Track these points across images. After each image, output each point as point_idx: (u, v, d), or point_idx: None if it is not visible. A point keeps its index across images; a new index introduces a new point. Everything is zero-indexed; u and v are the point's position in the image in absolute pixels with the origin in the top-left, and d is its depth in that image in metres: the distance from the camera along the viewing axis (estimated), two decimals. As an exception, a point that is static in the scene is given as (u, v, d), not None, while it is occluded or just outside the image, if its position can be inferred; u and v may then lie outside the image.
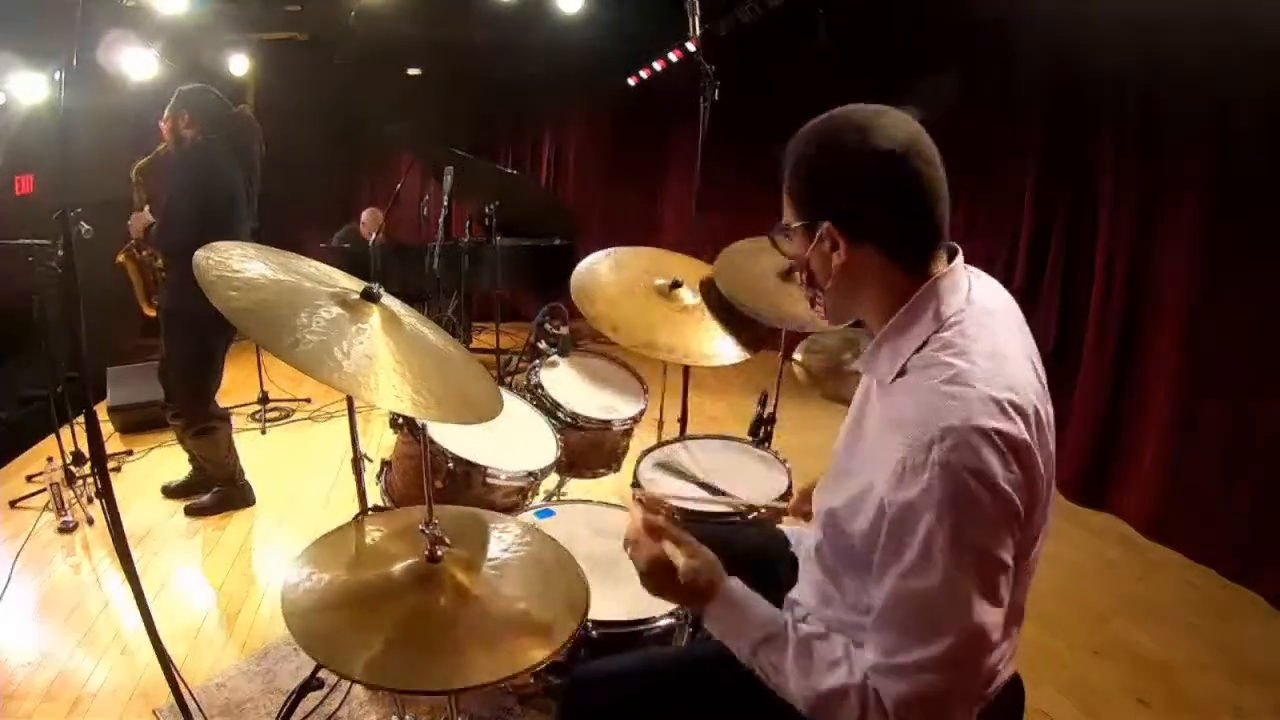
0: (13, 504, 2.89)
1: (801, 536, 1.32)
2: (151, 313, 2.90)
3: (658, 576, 0.99)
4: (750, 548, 1.47)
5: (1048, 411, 0.90)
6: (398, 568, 1.14)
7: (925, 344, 0.89)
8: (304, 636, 1.00)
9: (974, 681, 0.84)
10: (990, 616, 0.81)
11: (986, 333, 0.89)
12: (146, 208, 2.74)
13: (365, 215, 5.46)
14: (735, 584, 0.99)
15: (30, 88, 3.46)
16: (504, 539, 1.26)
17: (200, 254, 1.11)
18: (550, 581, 1.15)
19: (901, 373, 0.90)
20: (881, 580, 0.86)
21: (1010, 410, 0.82)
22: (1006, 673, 1.01)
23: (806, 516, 1.42)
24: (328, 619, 1.04)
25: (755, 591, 1.01)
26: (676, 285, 1.97)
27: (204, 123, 2.63)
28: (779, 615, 0.98)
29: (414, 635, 1.02)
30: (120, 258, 2.89)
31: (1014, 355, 0.90)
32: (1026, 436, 0.82)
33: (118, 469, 3.28)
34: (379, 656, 0.97)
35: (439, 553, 1.14)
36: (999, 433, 0.80)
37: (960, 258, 0.95)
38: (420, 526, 1.15)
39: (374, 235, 4.85)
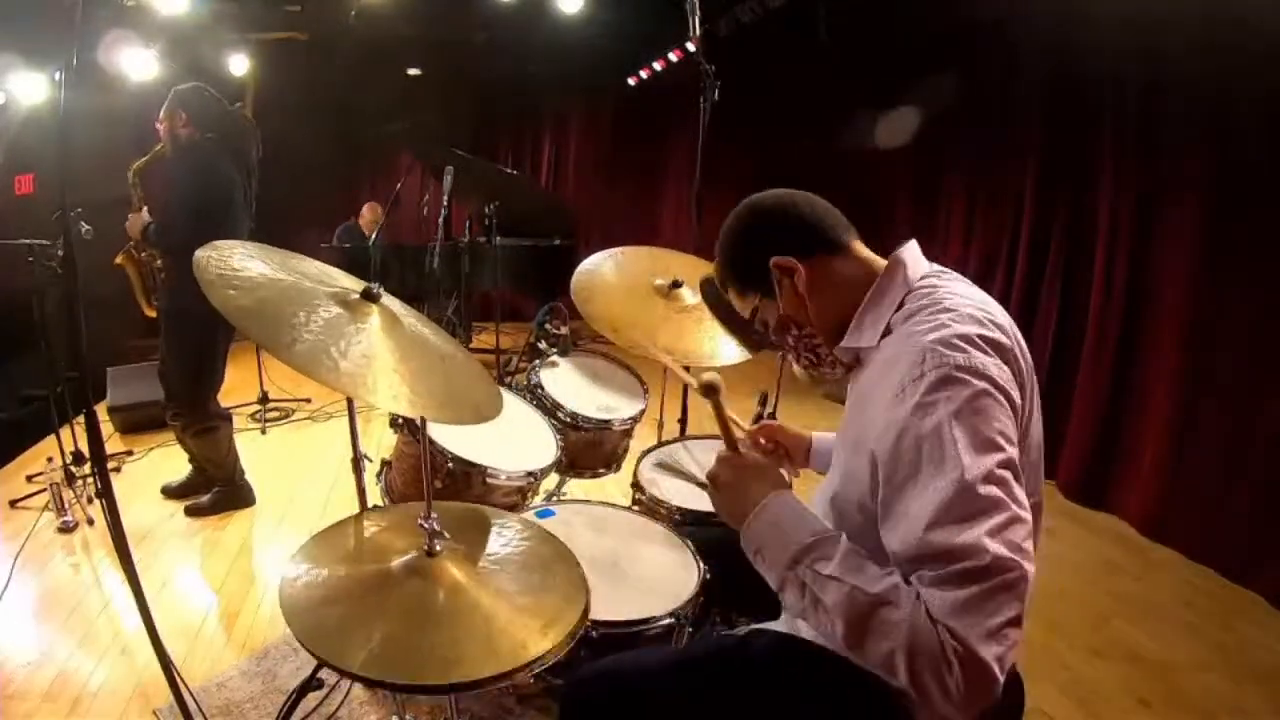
0: (13, 504, 2.89)
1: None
2: (152, 313, 2.90)
3: (741, 469, 1.05)
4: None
5: (1026, 350, 0.96)
6: (396, 562, 1.14)
7: (903, 303, 0.99)
8: (302, 631, 1.00)
9: (1020, 575, 0.77)
10: (1016, 506, 0.79)
11: (956, 282, 1.02)
12: (144, 208, 2.74)
13: (365, 209, 5.46)
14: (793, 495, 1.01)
15: (30, 88, 3.47)
16: (504, 534, 1.26)
17: (201, 253, 1.11)
18: (550, 576, 1.15)
19: (887, 332, 0.99)
20: (894, 510, 0.84)
21: (989, 325, 0.91)
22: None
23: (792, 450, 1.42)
24: (326, 614, 1.03)
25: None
26: (677, 285, 1.97)
27: (201, 122, 2.63)
28: (829, 527, 0.95)
29: (412, 629, 1.01)
30: (119, 259, 2.89)
31: (985, 296, 1.00)
32: (1008, 342, 0.91)
33: (118, 469, 3.28)
34: (377, 651, 0.97)
35: (438, 547, 1.14)
36: (982, 336, 0.88)
37: (913, 242, 1.07)
38: (419, 521, 1.15)
39: (374, 233, 4.85)
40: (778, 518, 0.96)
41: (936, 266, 1.06)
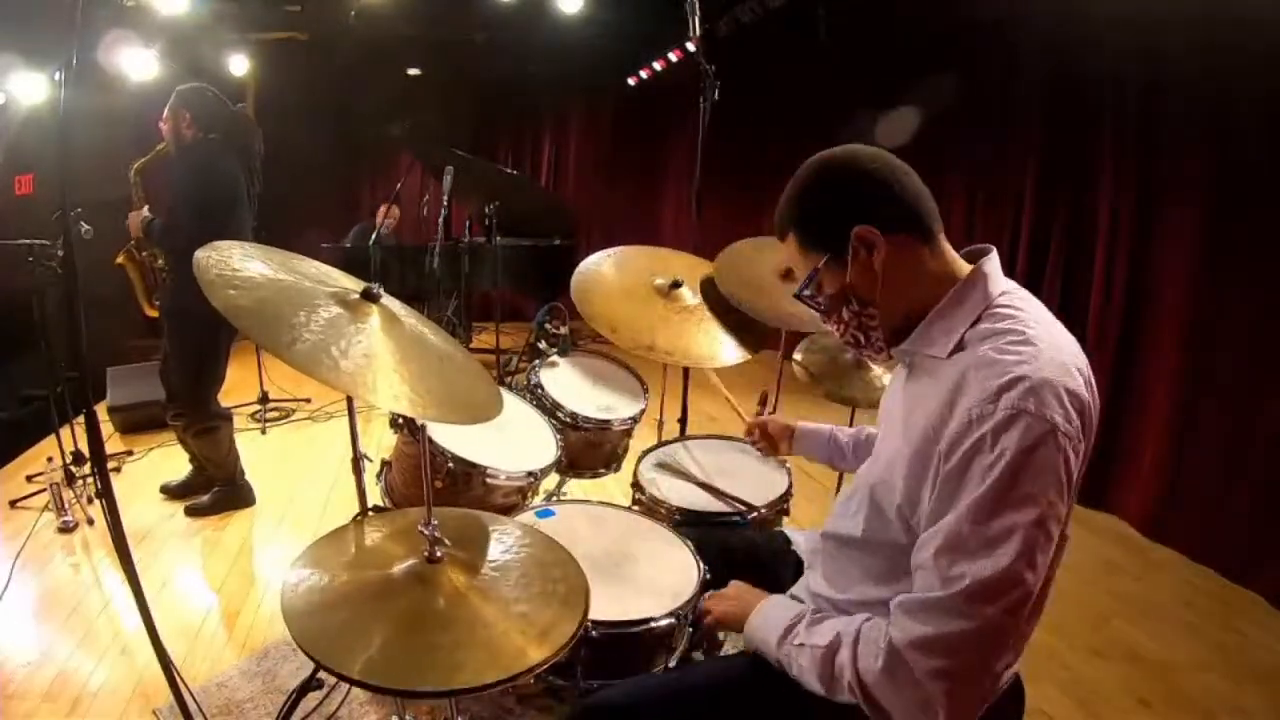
0: (13, 504, 2.89)
1: (808, 537, 1.32)
2: (153, 313, 2.90)
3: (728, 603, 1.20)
4: (750, 548, 1.47)
5: (1096, 395, 0.93)
6: (397, 568, 1.14)
7: (979, 319, 0.94)
8: (303, 637, 1.00)
9: (1001, 634, 0.84)
10: (1025, 571, 0.81)
11: (1036, 307, 0.96)
12: (145, 208, 2.74)
13: (382, 210, 5.46)
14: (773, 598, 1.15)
15: (30, 88, 3.47)
16: (504, 540, 1.26)
17: (201, 253, 1.11)
18: (550, 583, 1.15)
19: (959, 347, 0.93)
20: (932, 524, 0.87)
21: (1075, 373, 0.87)
22: (1013, 670, 1.01)
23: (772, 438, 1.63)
24: (327, 619, 1.03)
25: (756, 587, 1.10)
26: (676, 285, 1.97)
27: (204, 122, 2.63)
28: (796, 608, 1.07)
29: (413, 636, 1.01)
30: (120, 258, 2.89)
31: (1066, 333, 0.95)
32: (1087, 396, 0.88)
33: (118, 469, 3.28)
34: (378, 657, 0.97)
35: (439, 554, 1.14)
36: (1068, 389, 0.85)
37: (994, 252, 1.01)
38: (420, 527, 1.15)
39: (385, 226, 4.83)
40: (767, 611, 1.11)
41: (1011, 282, 1.00)
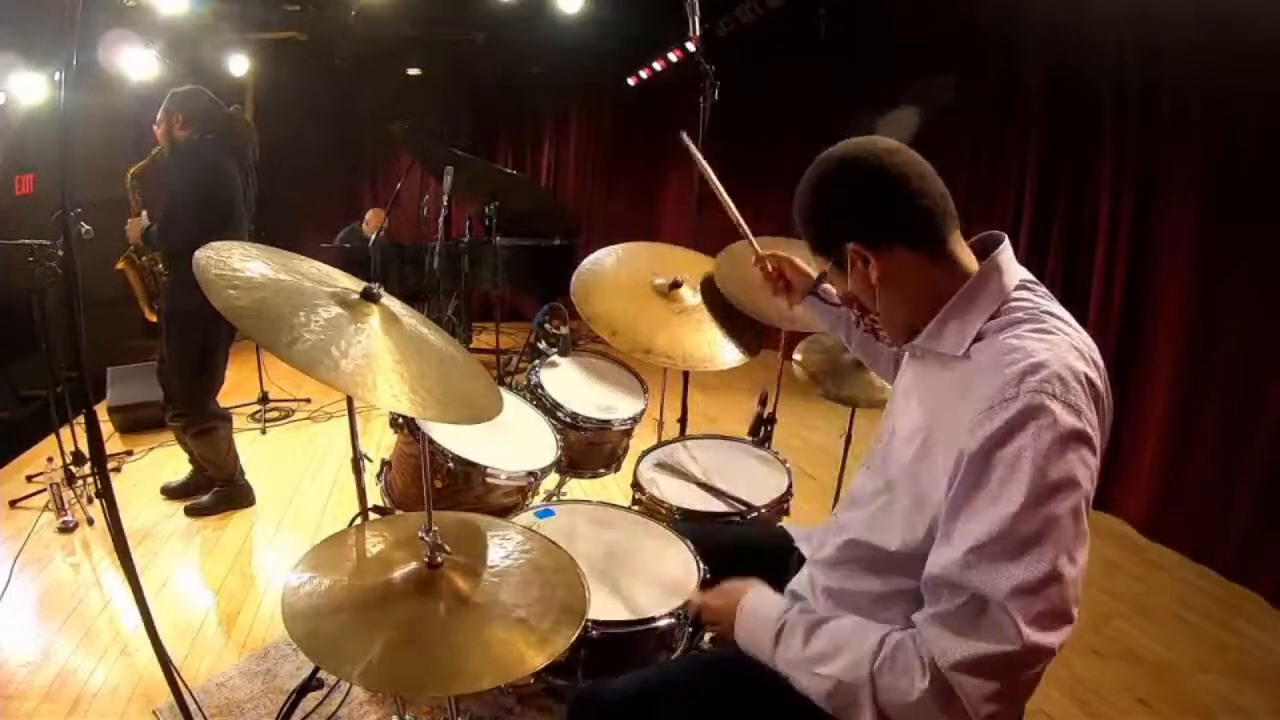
0: (13, 504, 2.89)
1: (809, 533, 1.32)
2: (154, 318, 2.90)
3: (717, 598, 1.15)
4: (750, 548, 1.47)
5: (1109, 388, 0.92)
6: (398, 573, 1.14)
7: (998, 312, 0.92)
8: (304, 640, 1.00)
9: (1044, 646, 0.76)
10: (1067, 565, 0.77)
11: (1052, 301, 0.95)
12: (144, 213, 2.74)
13: (369, 215, 5.47)
14: (755, 589, 1.09)
15: (30, 88, 3.47)
16: (504, 545, 1.26)
17: (201, 253, 1.11)
18: (550, 589, 1.15)
19: (977, 338, 0.92)
20: (953, 522, 0.83)
21: (1092, 364, 0.87)
22: None
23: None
24: (328, 623, 1.03)
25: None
26: (676, 285, 1.97)
27: (198, 123, 2.63)
28: (790, 608, 1.01)
29: (413, 641, 1.02)
30: (120, 265, 2.89)
31: (1080, 329, 0.93)
32: (1103, 387, 0.87)
33: (118, 469, 3.28)
34: (378, 661, 0.97)
35: (439, 559, 1.14)
36: (1087, 377, 0.83)
37: (1007, 242, 0.98)
38: (420, 533, 1.15)
39: (377, 233, 4.85)
40: (743, 625, 1.06)
41: (1027, 274, 0.98)
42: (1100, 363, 0.89)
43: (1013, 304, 0.92)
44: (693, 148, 1.63)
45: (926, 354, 1.00)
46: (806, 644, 0.93)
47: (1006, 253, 0.96)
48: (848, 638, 0.90)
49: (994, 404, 0.81)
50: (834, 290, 1.06)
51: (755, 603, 1.06)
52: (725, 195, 1.59)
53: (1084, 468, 0.80)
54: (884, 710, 0.83)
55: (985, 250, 0.98)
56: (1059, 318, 0.91)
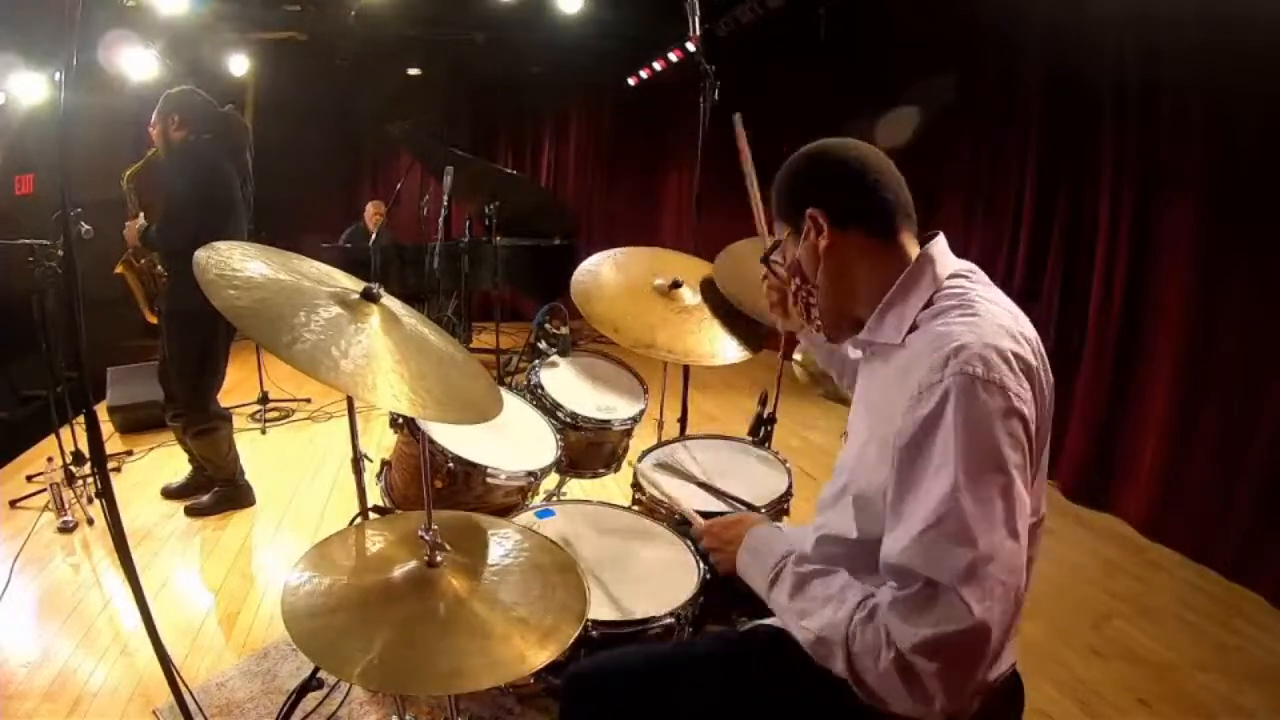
0: (13, 504, 2.89)
1: (803, 535, 1.32)
2: (154, 320, 2.90)
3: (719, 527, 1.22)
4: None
5: (1048, 368, 0.94)
6: (397, 573, 1.14)
7: (930, 301, 0.96)
8: (304, 640, 1.00)
9: (994, 621, 0.79)
10: (1007, 539, 0.79)
11: (985, 286, 0.99)
12: (141, 215, 2.74)
13: (369, 208, 5.48)
14: (763, 527, 1.14)
15: (30, 88, 3.47)
16: (504, 545, 1.26)
17: (201, 253, 1.11)
18: (549, 588, 1.15)
19: (912, 328, 0.96)
20: (898, 508, 0.86)
21: (1020, 339, 0.89)
22: (1006, 662, 1.00)
23: None
24: (327, 623, 1.03)
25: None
26: (676, 285, 1.97)
27: (194, 124, 2.62)
28: (790, 553, 1.04)
29: (413, 640, 1.02)
30: (119, 268, 2.89)
31: (1014, 306, 0.97)
32: (1035, 362, 0.89)
33: (118, 469, 3.28)
34: (378, 661, 0.97)
35: (438, 558, 1.14)
36: (1013, 352, 0.86)
37: (941, 235, 1.03)
38: (420, 532, 1.15)
39: (378, 230, 4.85)
40: (747, 561, 1.11)
41: (966, 264, 1.02)
42: (1032, 337, 0.92)
43: (945, 292, 0.96)
44: (741, 135, 1.62)
45: (873, 354, 1.05)
46: (793, 597, 0.98)
47: (940, 245, 1.02)
48: (830, 596, 0.94)
49: (920, 390, 0.85)
50: (784, 259, 1.09)
51: (756, 543, 1.11)
52: (756, 189, 1.60)
53: (1013, 440, 0.82)
54: (857, 673, 0.87)
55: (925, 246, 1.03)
56: (989, 300, 0.94)
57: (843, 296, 1.03)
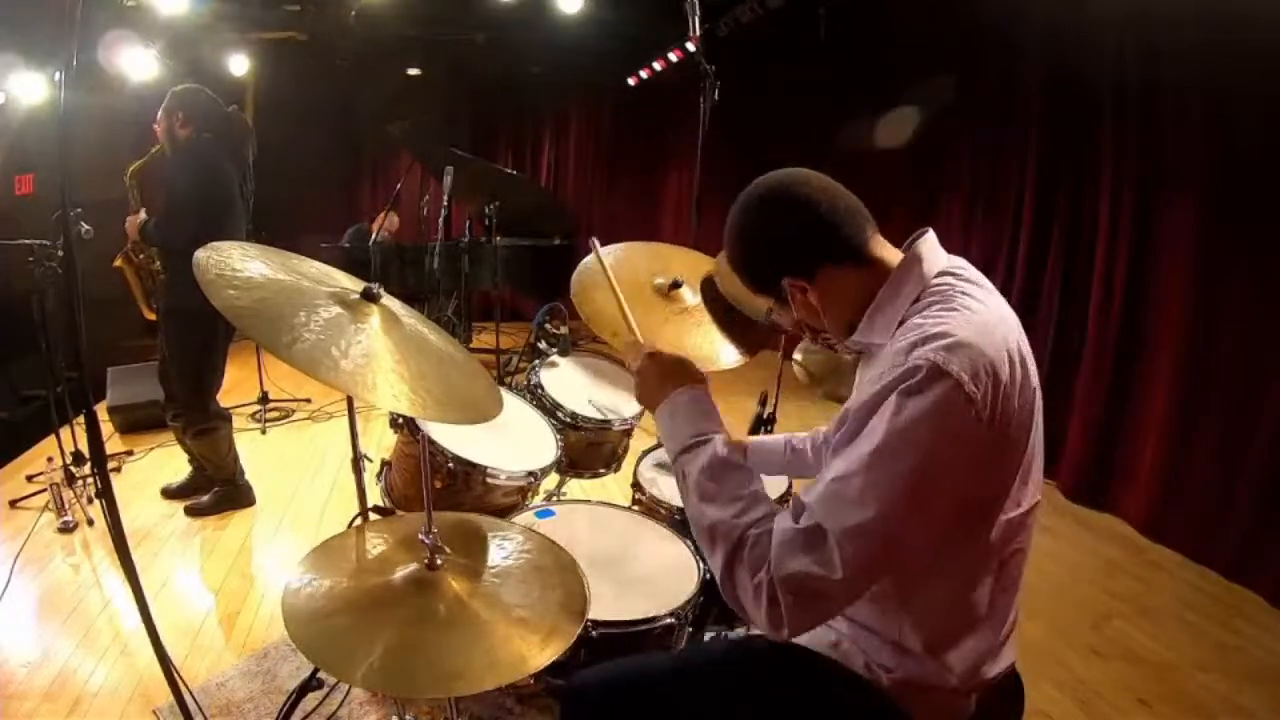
0: (13, 504, 2.89)
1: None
2: (152, 316, 2.90)
3: (662, 361, 1.12)
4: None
5: (1031, 367, 0.94)
6: (398, 575, 1.14)
7: (919, 297, 0.96)
8: (304, 642, 1.00)
9: (859, 582, 0.84)
10: (904, 519, 0.82)
11: (972, 285, 0.98)
12: (142, 210, 2.74)
13: (379, 219, 5.49)
14: (704, 392, 1.08)
15: (30, 88, 3.47)
16: (505, 546, 1.26)
17: (200, 253, 1.11)
18: (550, 589, 1.15)
19: (901, 324, 0.96)
20: (830, 459, 0.89)
21: (995, 339, 0.88)
22: (1006, 661, 1.00)
23: None
24: (328, 625, 1.04)
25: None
26: (677, 285, 1.96)
27: (198, 122, 2.63)
28: (720, 433, 1.02)
29: (413, 642, 1.02)
30: (118, 262, 2.89)
31: (1001, 306, 0.97)
32: (1005, 365, 0.87)
33: (118, 469, 3.28)
34: (378, 663, 0.97)
35: (439, 561, 1.14)
36: (981, 351, 0.85)
37: (930, 232, 1.02)
38: (420, 535, 1.15)
39: (376, 233, 4.85)
40: (675, 409, 1.06)
41: (956, 261, 1.01)
42: (1012, 336, 0.92)
43: (932, 288, 0.96)
44: (600, 255, 1.50)
45: (869, 355, 1.05)
46: (705, 475, 0.96)
47: (929, 242, 1.01)
48: (740, 496, 0.94)
49: (883, 371, 0.88)
50: (784, 322, 1.10)
51: (685, 401, 1.06)
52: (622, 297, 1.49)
53: (948, 436, 0.83)
54: (732, 580, 0.89)
55: (913, 244, 1.02)
56: (974, 297, 0.94)
57: (846, 317, 1.03)
